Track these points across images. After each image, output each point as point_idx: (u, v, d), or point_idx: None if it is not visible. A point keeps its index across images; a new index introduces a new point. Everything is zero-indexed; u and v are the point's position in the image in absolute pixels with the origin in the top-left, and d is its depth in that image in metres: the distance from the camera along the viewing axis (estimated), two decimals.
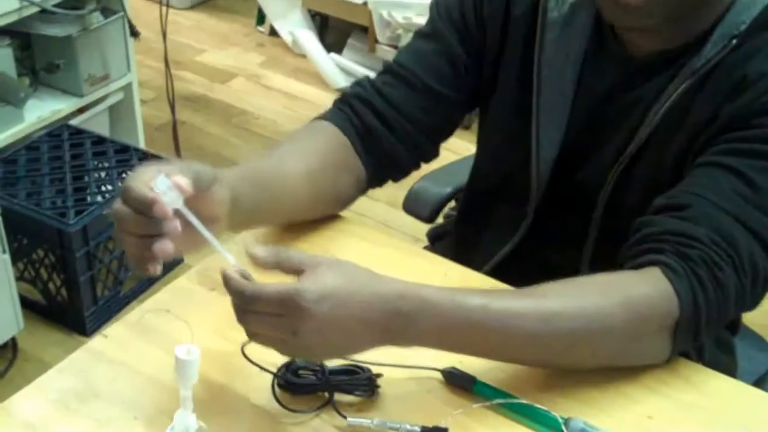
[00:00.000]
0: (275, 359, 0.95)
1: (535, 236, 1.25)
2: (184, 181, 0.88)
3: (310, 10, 3.81)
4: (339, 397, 0.97)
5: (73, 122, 2.62)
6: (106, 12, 2.55)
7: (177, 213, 0.88)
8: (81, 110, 2.66)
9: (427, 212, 1.59)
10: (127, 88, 2.72)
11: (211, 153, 3.11)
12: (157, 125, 3.20)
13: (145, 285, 2.50)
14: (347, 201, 1.24)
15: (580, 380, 1.00)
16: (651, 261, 1.00)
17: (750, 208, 1.01)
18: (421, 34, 1.27)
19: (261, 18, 4.00)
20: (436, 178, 1.62)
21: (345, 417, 0.95)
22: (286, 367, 0.97)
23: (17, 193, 2.31)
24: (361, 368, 0.97)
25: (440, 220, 1.61)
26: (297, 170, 1.14)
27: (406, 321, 0.90)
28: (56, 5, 2.35)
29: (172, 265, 2.52)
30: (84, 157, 2.47)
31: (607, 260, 1.07)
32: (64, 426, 0.95)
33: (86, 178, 2.40)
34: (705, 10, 1.07)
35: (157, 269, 0.91)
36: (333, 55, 3.64)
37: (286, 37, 3.84)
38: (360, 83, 1.25)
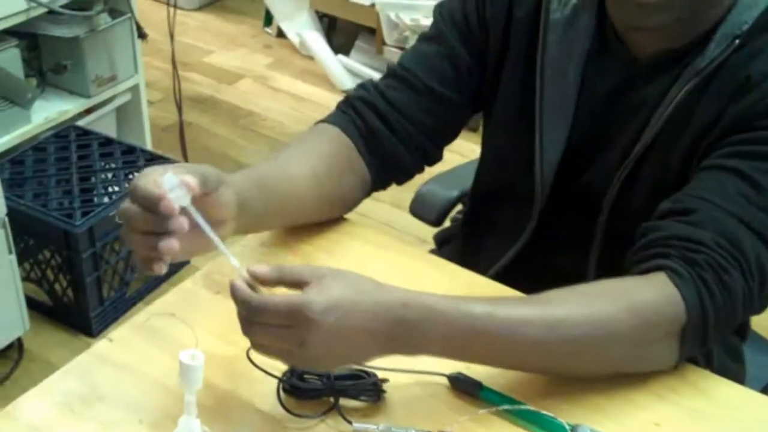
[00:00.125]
0: (280, 364, 0.94)
1: (540, 240, 1.25)
2: (192, 180, 0.89)
3: (317, 12, 3.81)
4: (344, 402, 0.96)
5: (80, 123, 2.62)
6: (114, 13, 2.55)
7: (184, 213, 0.88)
8: (88, 111, 2.66)
9: (434, 216, 1.58)
10: (135, 89, 2.73)
11: (218, 154, 3.11)
12: (164, 126, 3.20)
13: (152, 286, 2.50)
14: (352, 203, 1.24)
15: (587, 386, 1.00)
16: (657, 266, 0.99)
17: (755, 211, 1.00)
18: (424, 37, 1.27)
19: (268, 19, 4.00)
20: (443, 181, 1.62)
21: (350, 422, 0.94)
22: (292, 371, 0.96)
23: (24, 194, 2.31)
24: (367, 373, 0.97)
25: (448, 223, 1.60)
26: (302, 173, 1.13)
27: (410, 329, 0.89)
28: (64, 6, 2.35)
29: (177, 267, 2.53)
30: (91, 158, 2.47)
31: (614, 263, 1.07)
32: (68, 429, 0.94)
33: (93, 179, 2.40)
34: (708, 10, 1.07)
35: (162, 268, 0.91)
36: (340, 56, 3.64)
37: (294, 38, 3.84)
38: (363, 86, 1.25)
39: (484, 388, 0.98)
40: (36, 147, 2.49)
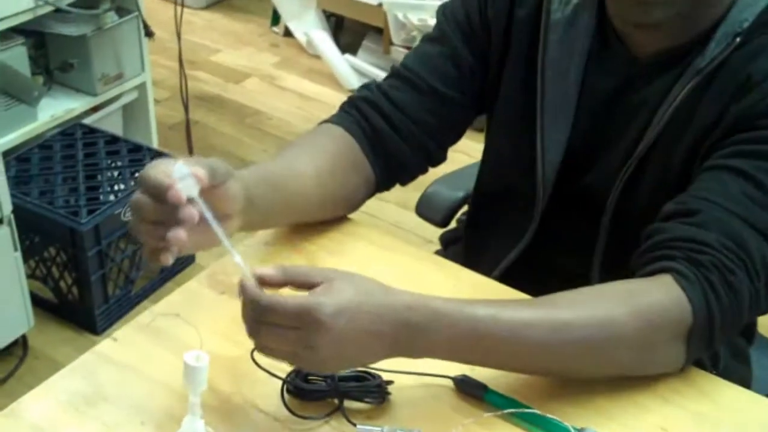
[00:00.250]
0: (284, 365, 0.94)
1: (542, 241, 1.25)
2: (201, 172, 0.88)
3: (324, 11, 3.81)
4: (348, 403, 0.96)
5: (87, 121, 2.62)
6: (121, 11, 2.55)
7: (192, 204, 0.88)
8: (94, 109, 2.66)
9: (439, 217, 1.58)
10: (141, 88, 2.73)
11: (224, 153, 3.11)
12: (171, 125, 3.20)
13: (157, 284, 2.50)
14: (356, 203, 1.24)
15: (593, 390, 0.99)
16: (662, 268, 0.99)
17: (760, 211, 1.00)
18: (427, 38, 1.27)
19: (276, 18, 4.00)
20: (449, 182, 1.61)
21: (354, 424, 0.94)
22: (296, 373, 0.96)
23: (30, 192, 2.31)
24: (372, 375, 0.97)
25: (454, 224, 1.60)
26: (306, 171, 1.13)
27: (415, 332, 0.89)
28: (71, 4, 2.35)
29: (183, 265, 2.53)
30: (97, 156, 2.47)
31: (618, 265, 1.06)
32: (71, 429, 0.94)
33: (99, 177, 2.40)
34: (708, 8, 1.07)
35: (169, 259, 0.91)
36: (347, 56, 3.64)
37: (301, 37, 3.83)
38: (366, 87, 1.25)
39: (489, 390, 0.97)
40: (42, 145, 2.49)
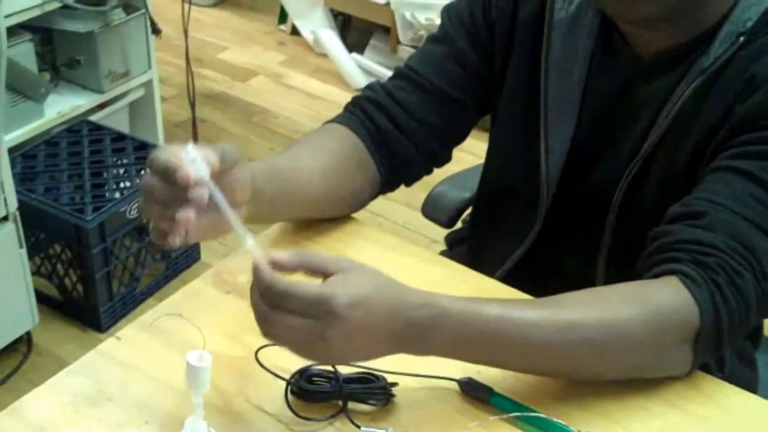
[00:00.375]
0: (289, 366, 0.94)
1: (546, 241, 1.24)
2: (212, 155, 0.88)
3: (332, 10, 3.81)
4: (353, 405, 0.95)
5: (93, 118, 2.62)
6: (128, 8, 2.55)
7: (201, 186, 0.87)
8: (101, 106, 2.67)
9: (445, 217, 1.58)
10: (148, 85, 2.73)
11: None
12: (177, 122, 3.20)
13: (162, 282, 2.50)
14: (361, 202, 1.23)
15: (599, 393, 0.99)
16: (669, 270, 0.98)
17: (766, 212, 0.99)
18: (432, 38, 1.27)
19: (283, 17, 4.00)
20: (455, 182, 1.61)
21: (359, 426, 0.93)
22: (300, 373, 0.95)
23: (35, 188, 2.32)
24: (376, 377, 0.96)
25: (460, 224, 1.59)
26: (311, 167, 1.13)
27: (423, 330, 0.88)
28: (78, 1, 2.35)
29: (188, 263, 2.53)
30: (103, 154, 2.47)
31: (623, 266, 1.06)
32: (74, 429, 0.94)
33: (105, 175, 2.41)
34: (708, 6, 1.06)
35: (176, 241, 0.90)
36: (354, 55, 3.64)
37: (308, 36, 3.83)
38: (371, 87, 1.25)
39: (494, 393, 0.97)
40: (48, 141, 2.49)
